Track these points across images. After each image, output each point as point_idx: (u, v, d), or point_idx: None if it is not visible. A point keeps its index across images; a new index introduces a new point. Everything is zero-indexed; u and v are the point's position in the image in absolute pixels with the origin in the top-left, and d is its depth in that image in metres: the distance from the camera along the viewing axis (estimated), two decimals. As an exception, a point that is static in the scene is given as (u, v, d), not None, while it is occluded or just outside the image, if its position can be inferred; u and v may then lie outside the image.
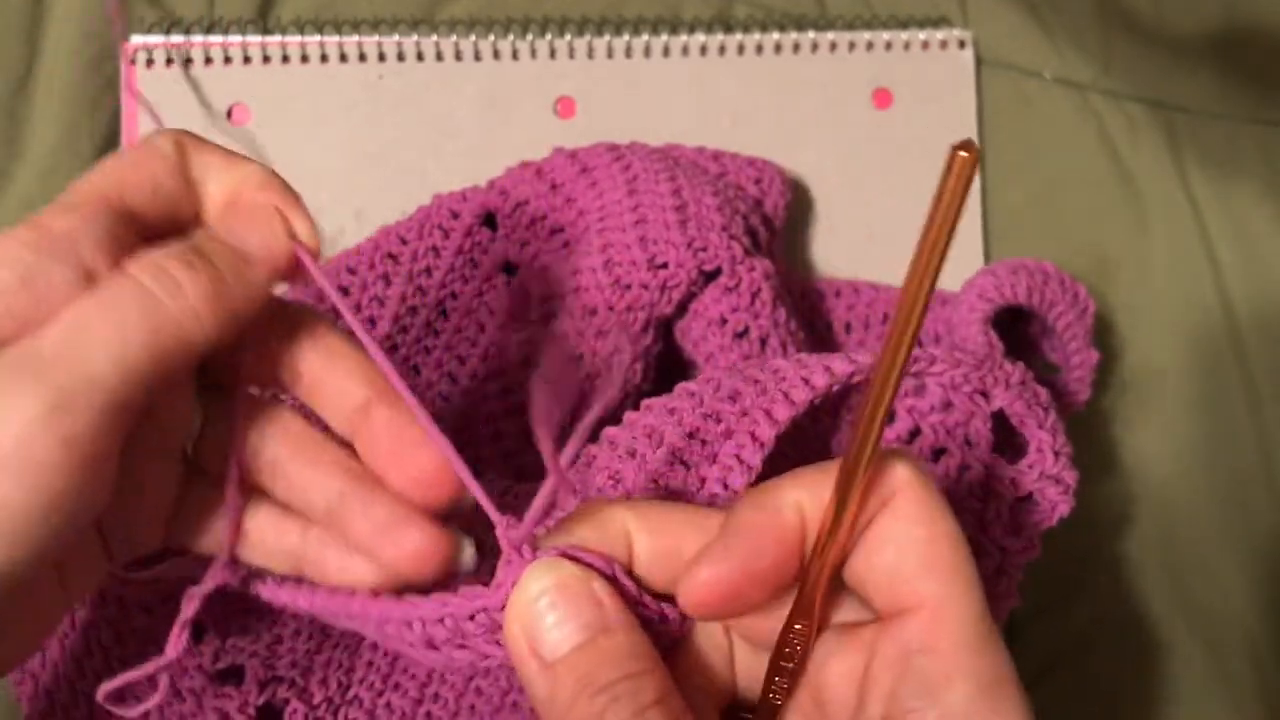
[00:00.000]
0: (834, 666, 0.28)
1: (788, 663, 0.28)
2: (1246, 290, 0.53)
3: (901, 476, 0.27)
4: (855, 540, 0.27)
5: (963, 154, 0.21)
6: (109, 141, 0.48)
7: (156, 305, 0.26)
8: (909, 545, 0.26)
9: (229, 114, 0.48)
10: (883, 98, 0.52)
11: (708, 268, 0.42)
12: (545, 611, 0.26)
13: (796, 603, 0.27)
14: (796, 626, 0.28)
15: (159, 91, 0.48)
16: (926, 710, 0.25)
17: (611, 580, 0.27)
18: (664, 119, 0.50)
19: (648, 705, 0.25)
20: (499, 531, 0.27)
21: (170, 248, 0.28)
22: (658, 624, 0.28)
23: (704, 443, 0.34)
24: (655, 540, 0.28)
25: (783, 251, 0.49)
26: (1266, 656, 0.51)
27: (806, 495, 0.27)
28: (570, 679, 0.26)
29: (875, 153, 0.51)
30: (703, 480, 0.34)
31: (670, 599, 0.28)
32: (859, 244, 0.51)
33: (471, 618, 0.28)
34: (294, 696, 0.39)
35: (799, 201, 0.50)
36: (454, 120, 0.49)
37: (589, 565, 0.27)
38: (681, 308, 0.43)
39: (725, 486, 0.33)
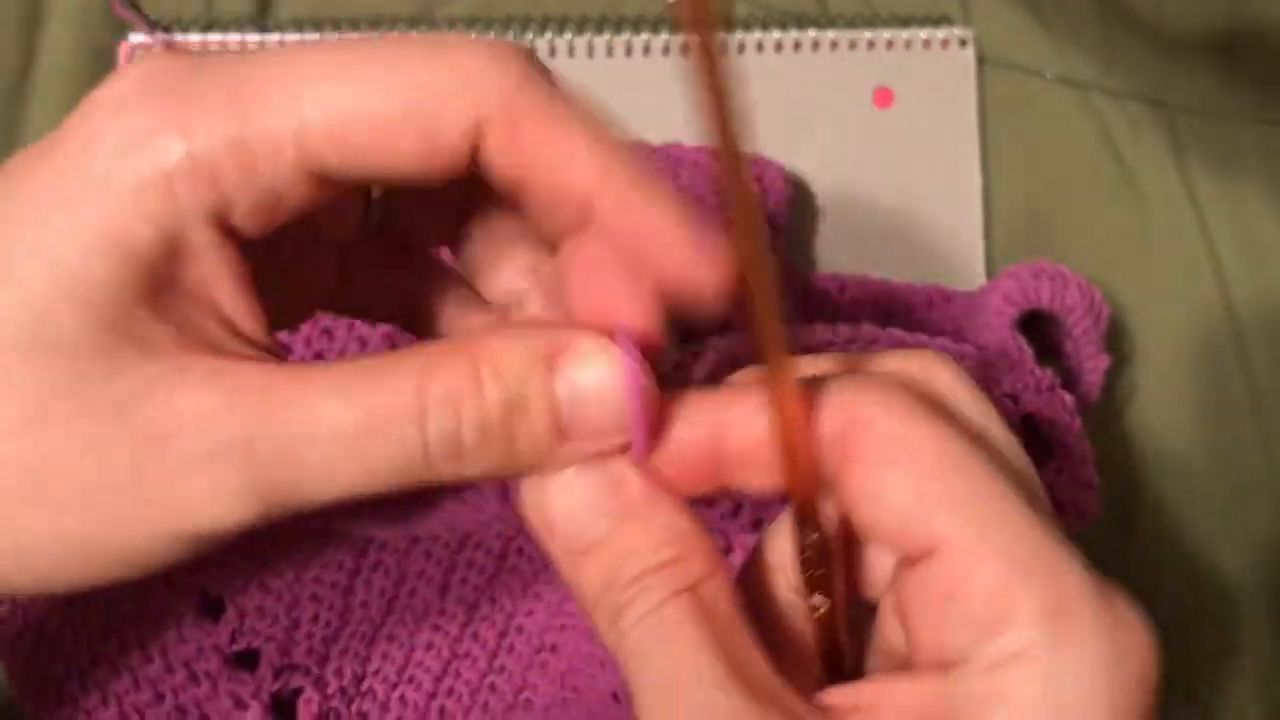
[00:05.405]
0: (888, 600, 0.26)
1: (814, 570, 0.25)
2: (1249, 291, 0.53)
3: (866, 410, 0.23)
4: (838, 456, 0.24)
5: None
6: (106, 141, 0.48)
7: (411, 457, 0.23)
8: (904, 485, 0.23)
9: (227, 113, 0.48)
10: (883, 96, 0.51)
11: (710, 265, 0.42)
12: (560, 501, 0.24)
13: (796, 518, 0.25)
14: (813, 536, 0.25)
15: (157, 91, 0.47)
16: (980, 653, 0.22)
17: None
18: (664, 118, 0.50)
19: (679, 590, 0.23)
20: None
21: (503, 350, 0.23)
22: (674, 374, 0.26)
23: None
24: None
25: (784, 250, 0.49)
26: (1271, 661, 0.51)
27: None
28: (595, 573, 0.24)
29: (876, 152, 0.51)
30: None
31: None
32: (860, 243, 0.51)
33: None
34: (309, 685, 0.39)
35: (799, 201, 0.50)
36: (453, 119, 0.49)
37: None
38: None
39: None
